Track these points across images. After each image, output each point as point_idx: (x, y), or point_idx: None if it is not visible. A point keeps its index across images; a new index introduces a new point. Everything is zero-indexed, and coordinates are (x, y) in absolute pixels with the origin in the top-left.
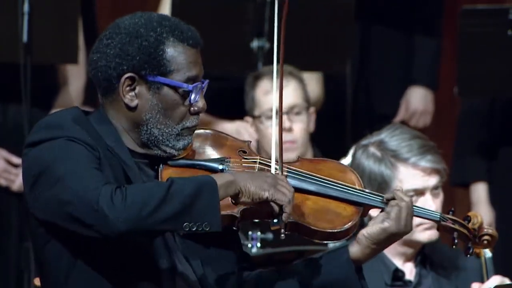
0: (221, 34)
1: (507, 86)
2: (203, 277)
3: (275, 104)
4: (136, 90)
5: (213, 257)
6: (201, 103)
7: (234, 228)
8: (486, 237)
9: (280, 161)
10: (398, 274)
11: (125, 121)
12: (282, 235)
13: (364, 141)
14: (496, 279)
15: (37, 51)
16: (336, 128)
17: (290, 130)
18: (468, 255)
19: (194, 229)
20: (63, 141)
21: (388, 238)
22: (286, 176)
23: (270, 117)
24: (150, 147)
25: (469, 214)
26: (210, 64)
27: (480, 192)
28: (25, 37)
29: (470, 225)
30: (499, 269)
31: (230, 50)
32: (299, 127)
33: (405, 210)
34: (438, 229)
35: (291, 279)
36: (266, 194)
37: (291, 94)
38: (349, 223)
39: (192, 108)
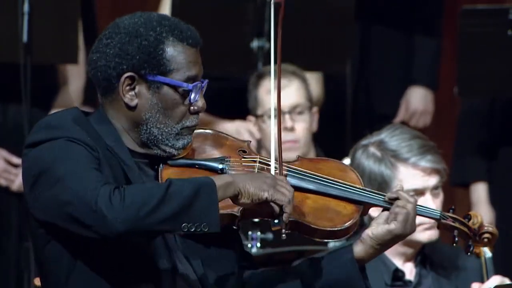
0: (221, 35)
1: (507, 86)
2: (203, 276)
3: (273, 105)
4: (136, 90)
5: (214, 257)
6: (200, 102)
7: (235, 227)
8: (486, 235)
9: (279, 160)
10: (398, 274)
11: (125, 120)
12: (283, 235)
13: (364, 141)
14: (496, 279)
15: (37, 51)
16: (336, 128)
17: (292, 129)
18: (469, 253)
19: (192, 230)
20: (63, 141)
21: (393, 239)
22: (286, 175)
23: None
24: (150, 147)
25: (470, 213)
26: (210, 64)
27: (480, 192)
28: (25, 37)
29: (470, 224)
30: (499, 269)
31: (230, 50)
32: (302, 127)
33: (411, 212)
34: (438, 227)
35: (295, 279)
36: (265, 195)
37: (294, 93)
38: (349, 222)
39: (191, 108)
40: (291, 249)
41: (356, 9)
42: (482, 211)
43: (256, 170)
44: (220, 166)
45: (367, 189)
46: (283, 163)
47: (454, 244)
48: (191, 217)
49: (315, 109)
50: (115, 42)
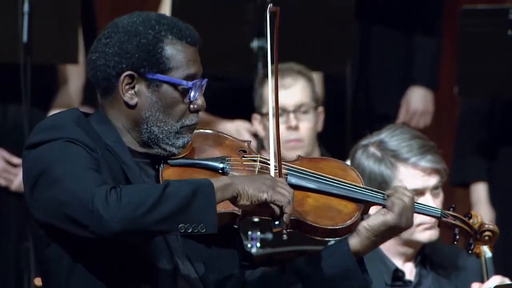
0: (221, 35)
1: (507, 86)
2: (204, 276)
3: (271, 105)
4: (136, 88)
5: (215, 257)
6: (200, 100)
7: (236, 226)
8: (487, 233)
9: (278, 160)
10: (398, 274)
11: (125, 120)
12: (284, 235)
13: (364, 141)
14: (496, 279)
15: (37, 51)
16: (336, 128)
17: (296, 128)
18: (470, 251)
19: (189, 231)
20: (62, 142)
21: (388, 231)
22: (287, 174)
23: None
24: (150, 146)
25: (470, 212)
26: (210, 64)
27: (480, 192)
28: (25, 37)
29: (471, 222)
30: (499, 269)
31: (230, 51)
32: (306, 126)
33: (407, 204)
34: (439, 226)
35: (293, 275)
36: (264, 196)
37: (299, 92)
38: (350, 220)
39: (191, 106)
40: (291, 249)
41: (356, 9)
42: (482, 211)
43: (257, 169)
44: (221, 165)
45: (367, 187)
46: (283, 163)
47: (455, 243)
48: (188, 218)
49: (320, 109)
50: (114, 41)
